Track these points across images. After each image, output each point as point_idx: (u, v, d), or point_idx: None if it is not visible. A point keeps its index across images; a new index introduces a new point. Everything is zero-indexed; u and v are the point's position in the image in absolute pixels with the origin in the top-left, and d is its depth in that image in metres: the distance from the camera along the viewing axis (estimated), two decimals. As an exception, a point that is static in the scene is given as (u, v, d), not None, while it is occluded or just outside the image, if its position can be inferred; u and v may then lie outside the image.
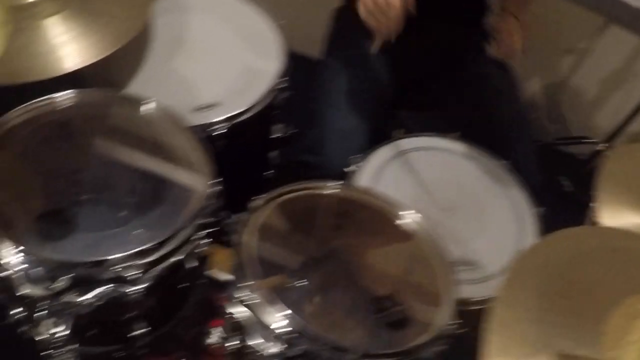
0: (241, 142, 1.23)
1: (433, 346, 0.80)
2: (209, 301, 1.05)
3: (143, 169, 0.99)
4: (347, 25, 1.40)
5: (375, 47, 1.17)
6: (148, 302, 0.82)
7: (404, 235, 0.98)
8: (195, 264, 0.91)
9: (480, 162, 1.26)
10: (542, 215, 1.20)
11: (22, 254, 0.79)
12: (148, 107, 1.07)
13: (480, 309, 1.01)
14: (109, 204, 0.90)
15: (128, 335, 0.86)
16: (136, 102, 1.07)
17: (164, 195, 0.93)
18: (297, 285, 0.85)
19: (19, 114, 1.00)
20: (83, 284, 0.78)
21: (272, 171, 1.42)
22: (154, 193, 0.93)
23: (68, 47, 1.06)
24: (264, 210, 0.94)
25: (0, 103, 1.02)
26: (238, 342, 0.82)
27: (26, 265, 0.79)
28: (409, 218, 1.00)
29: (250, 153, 1.36)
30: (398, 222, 1.00)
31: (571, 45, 1.88)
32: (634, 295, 0.72)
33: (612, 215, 1.08)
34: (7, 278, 0.79)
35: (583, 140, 1.92)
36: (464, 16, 1.44)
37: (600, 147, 1.84)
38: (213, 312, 1.04)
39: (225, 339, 0.95)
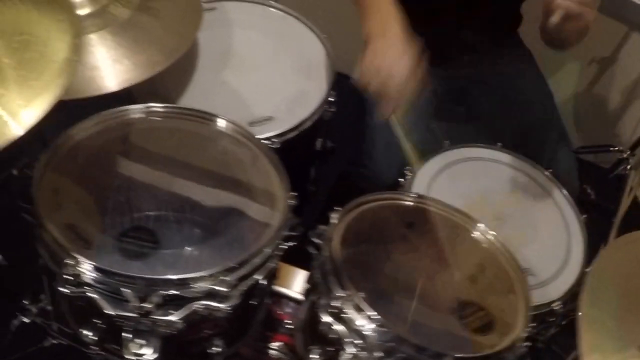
0: (292, 156, 1.26)
1: (518, 349, 0.83)
2: (272, 316, 1.06)
3: (221, 185, 0.99)
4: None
5: (380, 117, 1.09)
6: (228, 319, 0.83)
7: (476, 243, 1.02)
8: (266, 281, 0.92)
9: (525, 171, 1.30)
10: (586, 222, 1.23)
11: (104, 273, 0.79)
12: (219, 123, 1.08)
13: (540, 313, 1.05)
14: (188, 221, 0.91)
15: (207, 351, 0.87)
16: (208, 117, 1.08)
17: (243, 213, 0.94)
18: (386, 294, 0.87)
19: (88, 125, 1.00)
20: (171, 303, 0.79)
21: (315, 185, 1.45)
22: (233, 210, 0.94)
23: (118, 63, 1.06)
24: (344, 221, 0.96)
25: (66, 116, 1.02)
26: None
27: (109, 285, 0.79)
28: (479, 228, 1.04)
29: (298, 166, 1.38)
30: (470, 231, 1.04)
31: (595, 54, 1.91)
32: None
33: None
34: (90, 298, 0.80)
35: (608, 149, 1.95)
36: (499, 27, 1.48)
37: (625, 155, 1.87)
38: (276, 327, 1.05)
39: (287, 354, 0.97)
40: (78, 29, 0.87)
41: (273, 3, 1.40)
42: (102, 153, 0.98)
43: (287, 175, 1.02)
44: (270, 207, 0.96)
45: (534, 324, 0.95)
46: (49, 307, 1.07)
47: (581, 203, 1.91)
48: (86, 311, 0.83)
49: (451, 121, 1.51)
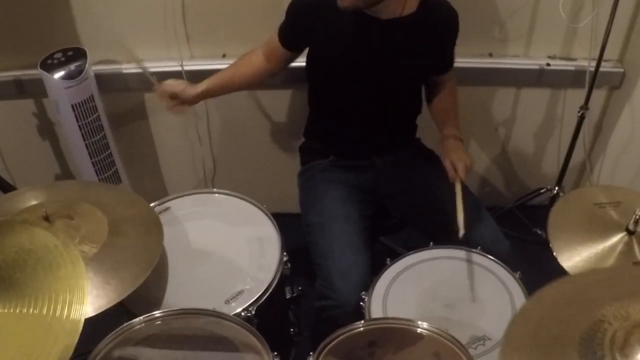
0: (269, 311, 1.47)
1: None
2: None
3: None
4: (313, 188, 1.71)
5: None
6: None
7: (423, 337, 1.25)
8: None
9: (459, 257, 1.52)
10: (521, 277, 1.45)
11: None
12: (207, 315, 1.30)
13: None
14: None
15: None
16: (194, 312, 1.30)
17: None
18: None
19: (106, 343, 1.22)
20: None
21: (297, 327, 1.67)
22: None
23: (106, 283, 1.25)
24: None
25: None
26: None
27: None
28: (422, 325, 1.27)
29: (277, 316, 1.60)
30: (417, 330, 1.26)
31: (498, 119, 2.20)
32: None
33: (568, 255, 1.36)
34: None
35: (539, 192, 2.19)
36: (401, 133, 1.76)
37: (555, 191, 2.12)
38: None
39: None
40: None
41: (216, 190, 1.67)
42: None
43: (265, 339, 1.23)
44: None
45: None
46: None
47: (539, 244, 2.14)
48: None
49: (390, 234, 1.77)
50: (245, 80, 1.71)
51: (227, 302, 1.41)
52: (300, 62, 1.68)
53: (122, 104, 2.08)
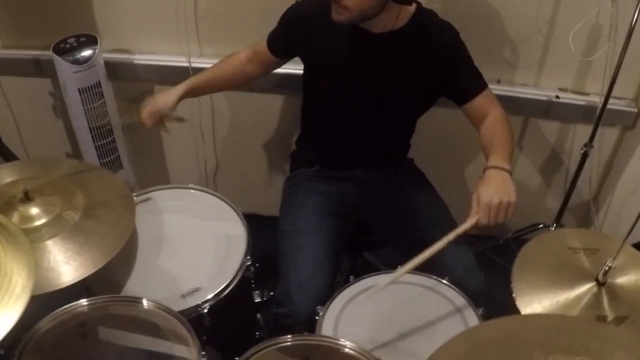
0: (234, 311, 1.49)
1: None
2: None
3: (147, 350, 1.25)
4: (293, 196, 1.71)
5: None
6: None
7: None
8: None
9: (425, 285, 1.49)
10: (483, 315, 1.41)
11: None
12: (147, 304, 1.34)
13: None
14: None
15: None
16: (134, 300, 1.35)
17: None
18: None
19: (48, 321, 1.28)
20: None
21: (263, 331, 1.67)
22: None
23: (70, 262, 1.31)
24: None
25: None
26: None
27: None
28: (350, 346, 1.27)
29: (244, 317, 1.62)
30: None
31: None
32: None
33: (528, 299, 1.30)
34: None
35: (537, 227, 2.12)
36: (393, 158, 1.74)
37: (552, 228, 2.04)
38: None
39: None
40: (32, 259, 1.15)
41: (192, 186, 1.71)
42: (58, 342, 1.25)
43: (196, 336, 1.27)
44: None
45: None
46: None
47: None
48: None
49: (371, 250, 1.75)
50: (225, 81, 1.73)
51: (183, 296, 1.44)
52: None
53: (132, 93, 2.15)
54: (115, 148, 2.10)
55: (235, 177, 2.33)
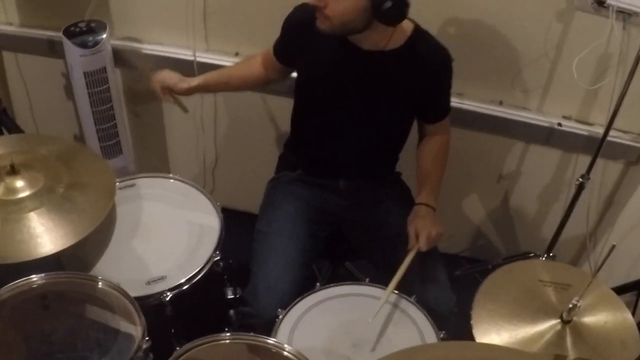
0: (204, 304, 1.49)
1: None
2: None
3: (97, 325, 1.31)
4: (273, 198, 1.71)
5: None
6: None
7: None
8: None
9: (389, 300, 1.44)
10: (445, 338, 1.37)
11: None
12: (102, 283, 1.38)
13: None
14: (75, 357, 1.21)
15: None
16: (94, 279, 1.39)
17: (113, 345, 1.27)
18: None
19: (8, 289, 1.31)
20: None
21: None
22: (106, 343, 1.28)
23: (46, 235, 1.35)
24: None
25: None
26: None
27: None
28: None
29: (216, 312, 1.63)
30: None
31: (501, 171, 2.10)
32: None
33: (485, 328, 1.26)
34: None
35: (527, 256, 2.06)
36: (377, 172, 1.72)
37: (542, 258, 1.98)
38: None
39: None
40: None
41: (172, 176, 1.73)
42: (18, 310, 1.30)
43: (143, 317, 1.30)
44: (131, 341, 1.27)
45: None
46: None
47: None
48: None
49: (346, 260, 1.73)
50: (242, 83, 1.74)
51: (149, 283, 1.46)
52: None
53: (139, 81, 2.19)
54: (116, 133, 2.14)
55: (233, 173, 2.34)
